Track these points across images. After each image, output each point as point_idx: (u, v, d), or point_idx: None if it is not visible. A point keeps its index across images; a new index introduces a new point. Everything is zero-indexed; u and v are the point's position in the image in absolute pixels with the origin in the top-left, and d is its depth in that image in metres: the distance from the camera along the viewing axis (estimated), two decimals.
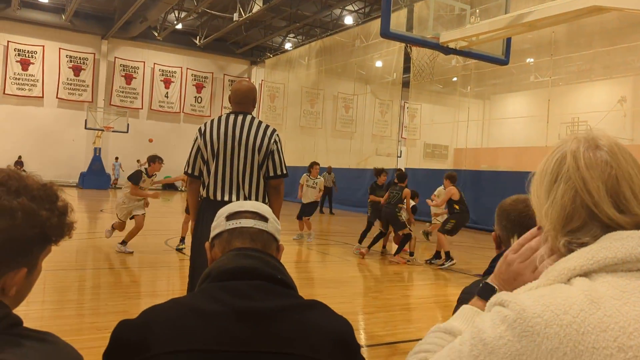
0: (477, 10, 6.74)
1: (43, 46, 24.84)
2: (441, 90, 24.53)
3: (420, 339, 0.91)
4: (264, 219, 1.31)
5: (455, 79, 22.31)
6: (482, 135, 26.00)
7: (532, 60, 19.72)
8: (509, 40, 6.42)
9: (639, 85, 18.78)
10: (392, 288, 6.81)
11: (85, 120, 24.74)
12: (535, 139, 18.05)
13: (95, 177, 24.27)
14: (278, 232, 1.34)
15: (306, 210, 10.52)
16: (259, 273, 1.19)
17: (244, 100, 3.54)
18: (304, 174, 10.83)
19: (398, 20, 7.06)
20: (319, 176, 10.85)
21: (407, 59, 18.92)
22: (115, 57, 26.55)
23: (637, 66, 17.98)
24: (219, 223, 1.33)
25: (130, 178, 7.86)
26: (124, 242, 7.86)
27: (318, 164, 11.03)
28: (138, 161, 25.58)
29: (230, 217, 1.32)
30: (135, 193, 7.83)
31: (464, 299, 1.31)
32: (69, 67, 25.62)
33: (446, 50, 6.15)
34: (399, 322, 5.17)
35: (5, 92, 24.35)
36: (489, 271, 1.92)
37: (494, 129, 26.14)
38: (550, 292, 0.73)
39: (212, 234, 1.33)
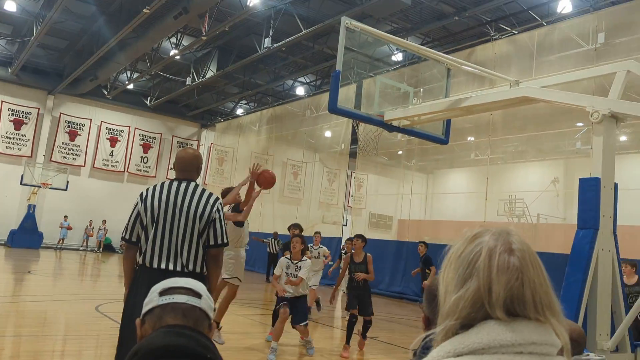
0: (421, 90, 7.16)
1: None
2: (387, 163, 25.26)
3: None
4: (198, 295, 1.30)
5: (400, 152, 23.10)
6: (425, 208, 26.72)
7: (472, 139, 20.76)
8: (448, 121, 6.79)
9: (570, 167, 20.00)
10: None
11: (22, 176, 23.73)
12: (474, 214, 18.72)
13: (26, 236, 23.03)
14: (211, 309, 1.32)
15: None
16: (188, 353, 1.16)
17: (187, 168, 3.54)
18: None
19: (347, 95, 7.33)
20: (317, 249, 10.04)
21: (355, 131, 19.52)
22: (60, 113, 25.98)
23: (567, 150, 19.23)
24: (152, 299, 1.30)
25: None
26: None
27: (319, 233, 10.65)
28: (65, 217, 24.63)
29: (163, 292, 1.30)
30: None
31: None
32: (10, 121, 24.80)
33: (390, 127, 6.41)
34: None
35: None
36: (422, 352, 1.93)
37: (436, 202, 26.94)
38: None
39: (144, 310, 1.30)
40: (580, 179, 5.24)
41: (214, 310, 1.36)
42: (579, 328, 2.56)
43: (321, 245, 10.38)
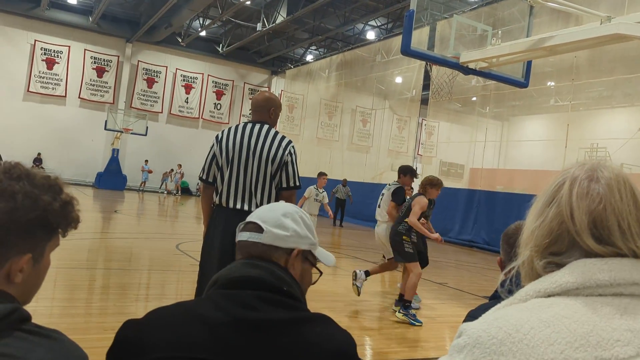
0: (499, 32, 6.75)
1: (69, 46, 25.31)
2: (460, 109, 24.46)
3: (426, 359, 0.95)
4: (260, 229, 1.29)
5: (474, 98, 22.24)
6: (499, 156, 25.82)
7: (552, 83, 19.60)
8: (529, 63, 6.41)
9: None
10: None
11: (105, 121, 25.09)
12: (552, 163, 17.87)
13: (111, 178, 24.58)
14: (280, 238, 1.29)
15: None
16: (264, 283, 1.20)
17: (260, 110, 3.57)
18: (310, 187, 9.62)
19: (420, 37, 7.08)
20: (323, 189, 9.68)
21: (427, 76, 18.92)
22: (138, 61, 26.95)
23: None
24: (237, 232, 1.35)
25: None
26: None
27: (326, 175, 9.92)
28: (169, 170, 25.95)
29: (241, 228, 1.34)
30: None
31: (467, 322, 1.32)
32: (93, 69, 26.06)
33: (466, 70, 6.15)
34: (405, 340, 5.14)
35: (29, 90, 24.82)
36: (496, 295, 1.92)
37: (511, 151, 25.94)
38: (503, 314, 0.79)
39: None
40: None
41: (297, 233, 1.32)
42: None
43: (324, 190, 9.80)
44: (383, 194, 6.66)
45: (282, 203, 1.41)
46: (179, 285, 6.55)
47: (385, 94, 24.51)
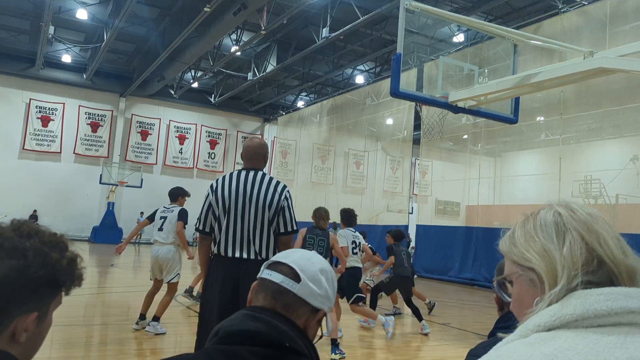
0: (486, 71, 6.90)
1: (63, 103, 25.63)
2: (452, 148, 24.69)
3: None
4: (297, 278, 1.22)
5: (465, 136, 22.49)
6: (494, 192, 25.88)
7: (542, 118, 19.87)
8: (517, 99, 6.53)
9: None
10: (407, 348, 6.63)
11: (101, 175, 25.14)
12: (547, 196, 17.84)
13: (107, 232, 24.43)
14: (314, 295, 1.22)
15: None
16: (263, 339, 1.13)
17: (254, 157, 3.60)
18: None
19: (408, 79, 7.24)
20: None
21: (418, 116, 19.22)
22: (132, 114, 27.27)
23: None
24: (263, 268, 1.27)
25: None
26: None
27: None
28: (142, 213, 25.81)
29: (270, 265, 1.26)
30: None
31: None
32: (87, 124, 26.32)
33: (455, 109, 6.25)
34: None
35: (25, 148, 24.96)
36: (493, 333, 1.89)
37: (505, 186, 26.05)
38: (506, 351, 0.78)
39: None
40: None
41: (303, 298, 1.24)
42: None
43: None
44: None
45: (318, 256, 1.31)
46: (178, 338, 6.41)
47: (377, 135, 24.78)
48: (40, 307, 0.97)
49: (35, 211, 24.04)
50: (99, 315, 7.52)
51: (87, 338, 6.07)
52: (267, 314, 1.17)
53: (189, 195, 7.04)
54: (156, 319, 6.20)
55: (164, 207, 6.82)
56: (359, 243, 7.20)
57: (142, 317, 6.39)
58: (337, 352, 5.61)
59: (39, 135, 25.25)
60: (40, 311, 0.97)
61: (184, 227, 6.56)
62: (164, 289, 6.53)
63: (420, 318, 7.41)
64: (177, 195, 6.91)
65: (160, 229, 6.60)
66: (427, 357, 6.09)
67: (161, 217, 6.68)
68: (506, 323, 1.71)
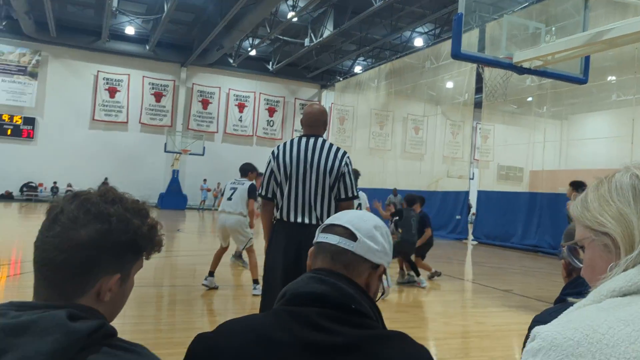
0: (553, 29, 6.56)
1: (129, 75, 26.57)
2: (515, 111, 23.79)
3: None
4: (353, 237, 1.23)
5: (530, 98, 21.59)
6: (559, 157, 24.88)
7: (614, 78, 18.77)
8: (587, 58, 6.19)
9: None
10: (465, 314, 6.62)
11: (165, 144, 26.07)
12: (618, 161, 17.02)
13: (173, 198, 25.47)
14: (372, 251, 1.24)
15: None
16: (330, 301, 1.14)
17: (315, 124, 3.61)
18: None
19: (469, 40, 6.97)
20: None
21: (479, 79, 18.54)
22: (193, 84, 27.91)
23: None
24: (317, 233, 1.29)
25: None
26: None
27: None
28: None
29: (324, 229, 1.28)
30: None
31: (534, 328, 1.30)
32: (151, 94, 27.20)
33: (520, 70, 6.01)
34: (472, 349, 5.02)
35: (95, 118, 26.19)
36: (560, 299, 1.86)
37: (572, 150, 24.96)
38: (578, 316, 0.77)
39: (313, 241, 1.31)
40: None
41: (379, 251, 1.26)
42: None
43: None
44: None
45: (370, 214, 1.32)
46: (243, 300, 6.68)
47: (437, 100, 24.19)
48: (123, 269, 1.04)
49: (106, 179, 25.32)
50: (168, 277, 7.92)
51: (157, 298, 6.43)
52: (333, 276, 1.18)
53: (259, 172, 7.25)
54: (211, 274, 6.89)
55: (235, 179, 7.22)
56: (359, 204, 7.67)
57: (211, 274, 6.91)
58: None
59: (107, 106, 26.38)
60: (122, 273, 1.04)
61: (255, 202, 6.88)
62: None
63: (417, 274, 7.87)
64: (247, 170, 7.24)
65: (230, 199, 6.99)
66: (488, 322, 6.05)
67: (231, 188, 7.09)
68: (576, 289, 1.68)
